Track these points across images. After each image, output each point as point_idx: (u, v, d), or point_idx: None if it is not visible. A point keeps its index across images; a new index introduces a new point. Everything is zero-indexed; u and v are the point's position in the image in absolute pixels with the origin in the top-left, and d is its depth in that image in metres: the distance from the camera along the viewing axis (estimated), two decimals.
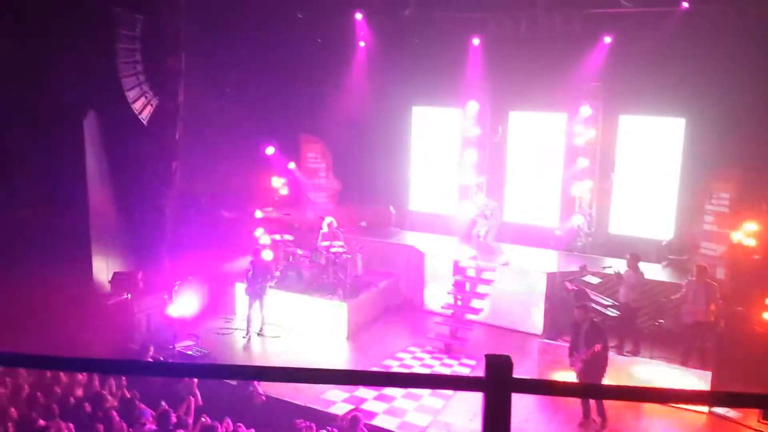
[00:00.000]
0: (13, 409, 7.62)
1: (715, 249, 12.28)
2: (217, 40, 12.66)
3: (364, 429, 8.15)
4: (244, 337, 12.31)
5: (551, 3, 13.21)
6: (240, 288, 12.87)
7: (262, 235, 13.46)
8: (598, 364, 9.11)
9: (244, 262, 12.74)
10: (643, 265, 11.32)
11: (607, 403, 9.32)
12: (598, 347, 8.96)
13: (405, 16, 14.47)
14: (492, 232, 13.77)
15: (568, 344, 9.75)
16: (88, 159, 11.71)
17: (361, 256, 13.52)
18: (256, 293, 12.36)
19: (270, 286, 12.51)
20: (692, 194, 13.00)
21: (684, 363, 10.24)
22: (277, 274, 12.86)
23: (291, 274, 13.37)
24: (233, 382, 9.11)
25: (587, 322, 9.31)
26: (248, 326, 12.39)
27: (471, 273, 13.19)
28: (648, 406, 9.71)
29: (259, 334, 12.41)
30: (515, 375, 1.83)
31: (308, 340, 12.40)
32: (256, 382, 8.83)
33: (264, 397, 9.13)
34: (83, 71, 11.02)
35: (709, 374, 9.79)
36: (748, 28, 11.63)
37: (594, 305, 10.73)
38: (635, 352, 10.60)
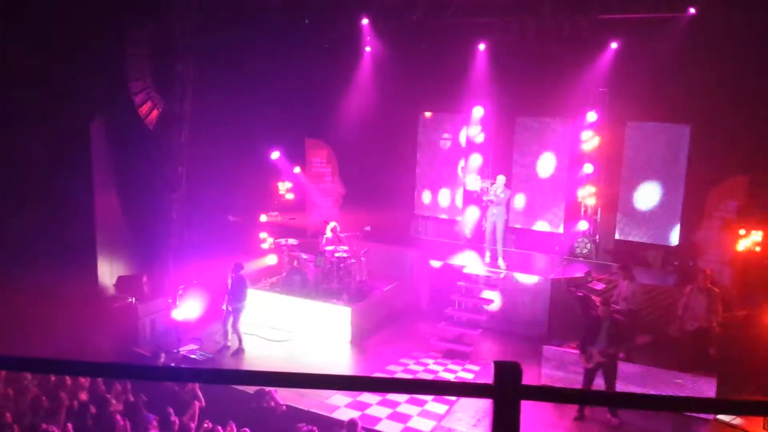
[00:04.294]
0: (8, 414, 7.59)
1: (722, 255, 12.24)
2: (224, 44, 12.69)
3: None
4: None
5: (558, 8, 13.18)
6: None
7: (266, 239, 13.45)
8: (617, 360, 9.46)
9: (249, 266, 12.72)
10: (646, 272, 11.34)
11: None
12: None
13: (411, 21, 14.48)
14: (500, 226, 13.25)
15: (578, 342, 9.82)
16: (94, 163, 11.74)
17: (365, 261, 13.52)
18: (229, 311, 11.88)
19: (239, 308, 11.85)
20: (698, 201, 12.95)
21: (689, 370, 10.18)
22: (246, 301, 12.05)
23: (295, 278, 13.39)
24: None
25: (609, 319, 9.44)
26: (224, 339, 11.95)
27: (476, 278, 13.17)
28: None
29: (236, 353, 11.78)
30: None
31: (312, 345, 12.40)
32: (274, 392, 8.72)
33: (285, 407, 8.97)
34: (90, 76, 11.06)
35: (714, 381, 9.74)
36: (755, 34, 11.56)
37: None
38: (628, 358, 10.58)
